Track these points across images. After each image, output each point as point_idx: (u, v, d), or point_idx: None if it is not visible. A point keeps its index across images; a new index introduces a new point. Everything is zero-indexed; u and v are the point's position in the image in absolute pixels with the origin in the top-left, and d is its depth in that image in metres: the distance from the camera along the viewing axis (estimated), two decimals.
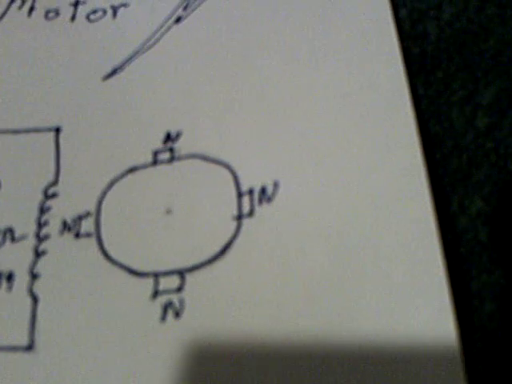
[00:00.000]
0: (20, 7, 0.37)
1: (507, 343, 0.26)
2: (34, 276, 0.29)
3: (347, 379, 0.25)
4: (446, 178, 0.29)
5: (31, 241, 0.30)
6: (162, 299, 0.27)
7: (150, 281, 0.28)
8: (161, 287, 0.28)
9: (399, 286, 0.26)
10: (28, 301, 0.28)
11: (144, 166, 0.31)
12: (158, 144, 0.31)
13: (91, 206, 0.30)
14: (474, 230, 0.28)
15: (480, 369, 0.25)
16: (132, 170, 0.31)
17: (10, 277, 0.29)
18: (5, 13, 0.37)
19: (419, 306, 0.25)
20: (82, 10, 0.36)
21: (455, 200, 0.29)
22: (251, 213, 0.29)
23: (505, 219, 0.28)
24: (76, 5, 0.37)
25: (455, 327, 0.25)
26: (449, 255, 0.27)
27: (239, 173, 0.30)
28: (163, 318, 0.27)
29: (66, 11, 0.36)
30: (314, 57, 0.32)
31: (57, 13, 0.37)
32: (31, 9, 0.37)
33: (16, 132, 0.33)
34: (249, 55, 0.33)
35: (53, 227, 0.30)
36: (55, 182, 0.31)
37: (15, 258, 0.29)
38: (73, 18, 0.36)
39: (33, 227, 0.30)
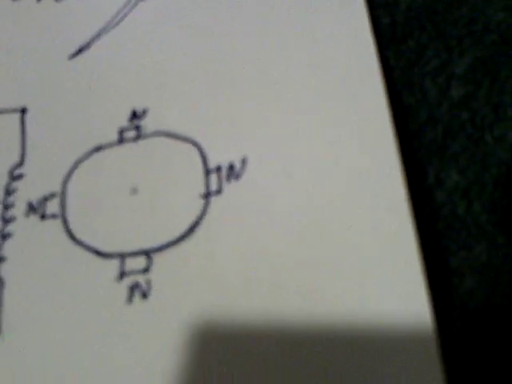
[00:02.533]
0: None
1: (487, 320, 0.26)
2: None
3: (317, 359, 0.25)
4: (421, 150, 0.29)
5: None
6: (129, 280, 0.27)
7: (115, 262, 0.28)
8: (127, 268, 0.28)
9: (371, 264, 0.26)
10: None
11: (110, 145, 0.31)
12: (124, 122, 0.31)
13: (57, 187, 0.30)
14: (451, 204, 0.28)
15: (459, 346, 0.25)
16: (97, 149, 0.31)
17: None
18: None
19: (392, 284, 0.25)
20: None
21: (431, 173, 0.29)
22: (219, 190, 0.29)
23: (482, 192, 0.28)
24: None
25: (429, 305, 0.25)
26: (426, 231, 0.27)
27: (206, 150, 0.30)
28: (130, 299, 0.27)
29: None
30: (281, 29, 0.32)
31: None
32: None
33: None
34: (215, 30, 0.33)
35: (18, 209, 0.30)
36: (21, 164, 0.31)
37: None
38: None
39: None
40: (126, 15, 0.34)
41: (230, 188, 0.29)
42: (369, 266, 0.26)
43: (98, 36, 0.34)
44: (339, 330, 0.25)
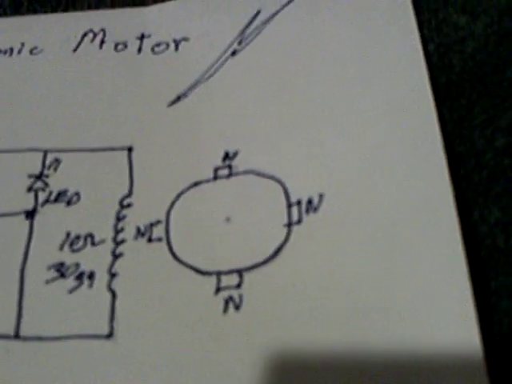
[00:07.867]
0: (92, 40, 0.38)
1: None
2: (112, 275, 0.30)
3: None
4: (469, 191, 0.30)
5: (109, 244, 0.31)
6: (224, 294, 0.29)
7: (213, 279, 0.30)
8: (223, 284, 0.29)
9: (431, 290, 0.27)
10: (108, 296, 0.30)
11: (206, 181, 0.32)
12: (218, 162, 0.33)
13: (161, 215, 0.32)
14: (492, 237, 0.29)
15: (498, 361, 0.26)
16: (196, 184, 0.32)
17: (91, 275, 0.30)
18: (79, 45, 0.38)
19: (443, 309, 0.27)
20: (148, 43, 0.38)
21: (476, 210, 0.30)
22: (299, 221, 0.30)
23: None
24: (142, 38, 0.38)
25: (478, 328, 0.26)
26: (470, 259, 0.28)
27: (289, 186, 0.31)
28: (225, 310, 0.29)
29: (133, 44, 0.38)
30: (355, 84, 0.34)
31: (125, 45, 0.38)
32: (102, 42, 0.38)
33: (94, 150, 0.34)
34: (296, 82, 0.34)
35: (128, 233, 0.31)
36: (129, 194, 0.33)
37: (95, 259, 0.31)
38: (139, 50, 0.38)
39: (111, 233, 0.32)
40: (218, 68, 0.36)
41: (308, 219, 0.30)
42: (430, 292, 0.27)
43: (194, 86, 0.35)
44: (403, 351, 0.26)
